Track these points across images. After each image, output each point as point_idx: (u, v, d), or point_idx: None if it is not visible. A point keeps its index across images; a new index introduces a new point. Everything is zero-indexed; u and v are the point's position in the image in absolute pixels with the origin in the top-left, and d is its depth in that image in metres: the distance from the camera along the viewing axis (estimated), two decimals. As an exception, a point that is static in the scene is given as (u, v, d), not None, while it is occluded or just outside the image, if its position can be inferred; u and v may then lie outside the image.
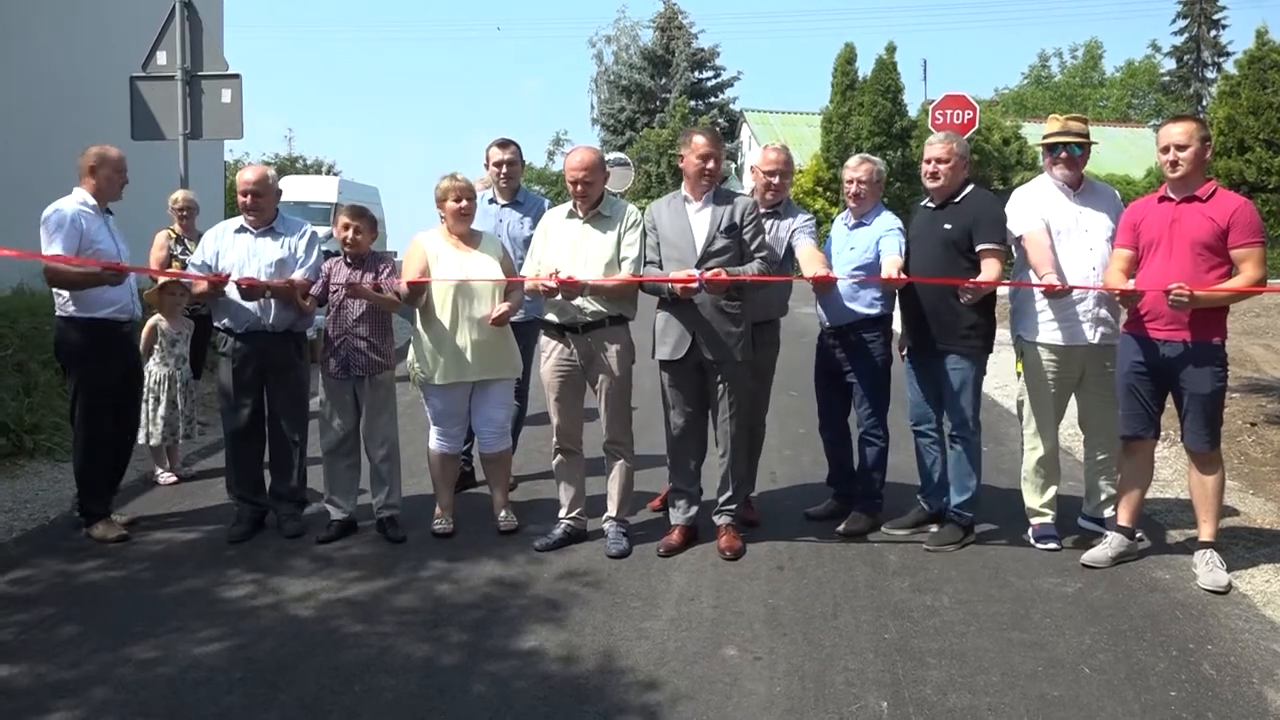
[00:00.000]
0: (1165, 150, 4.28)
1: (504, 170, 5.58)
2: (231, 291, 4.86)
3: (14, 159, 9.81)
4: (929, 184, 4.81)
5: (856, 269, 4.85)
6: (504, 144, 5.62)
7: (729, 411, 4.69)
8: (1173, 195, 4.30)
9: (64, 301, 4.79)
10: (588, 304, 4.62)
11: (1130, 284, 4.34)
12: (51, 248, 4.64)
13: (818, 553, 4.70)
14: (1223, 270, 4.20)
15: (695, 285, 4.43)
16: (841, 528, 4.94)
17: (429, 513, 5.06)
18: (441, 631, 3.86)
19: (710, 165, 4.60)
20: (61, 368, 5.05)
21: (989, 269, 4.58)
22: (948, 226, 4.68)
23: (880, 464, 5.03)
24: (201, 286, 4.97)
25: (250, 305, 4.87)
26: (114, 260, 4.75)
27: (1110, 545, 4.52)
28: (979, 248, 4.60)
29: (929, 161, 4.77)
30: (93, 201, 4.85)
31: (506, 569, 4.51)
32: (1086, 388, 4.77)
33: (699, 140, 4.64)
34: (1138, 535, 4.61)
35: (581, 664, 3.58)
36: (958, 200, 4.73)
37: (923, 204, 4.95)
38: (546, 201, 5.84)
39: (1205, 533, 4.40)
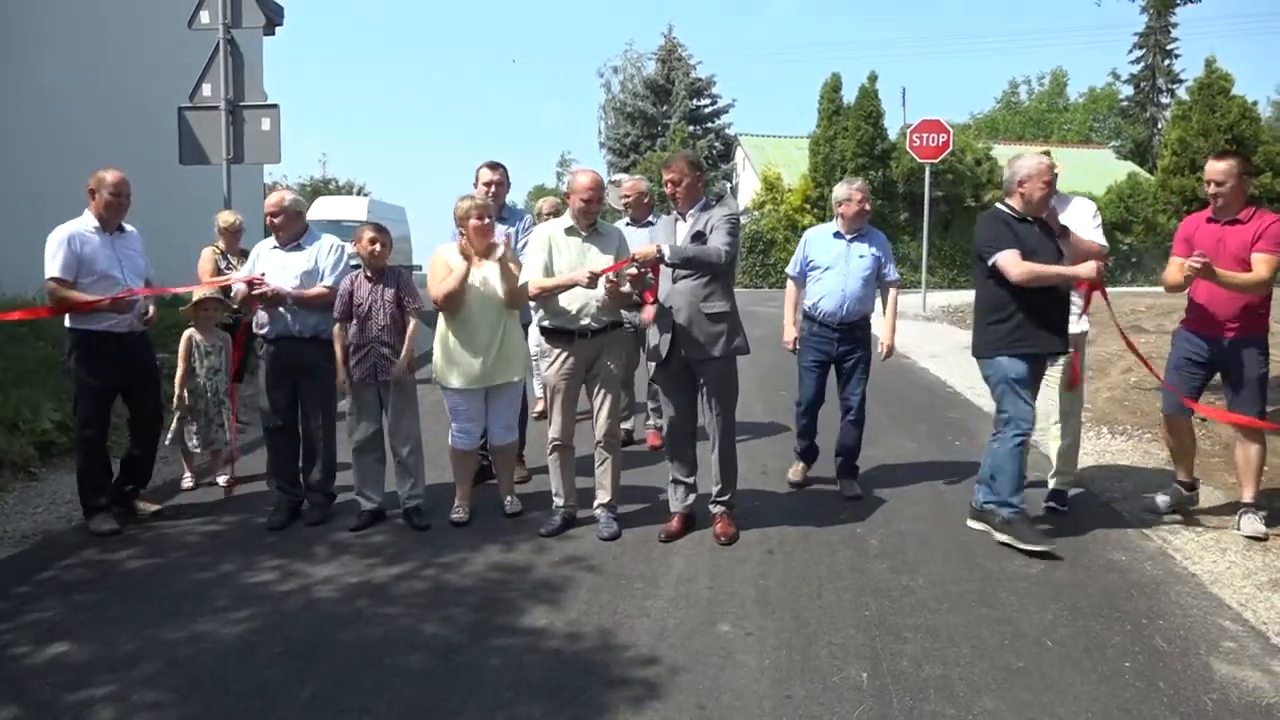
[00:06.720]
0: (1208, 184, 4.63)
1: (492, 189, 5.57)
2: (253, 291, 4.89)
3: (61, 193, 9.90)
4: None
5: (866, 273, 5.28)
6: (494, 166, 5.67)
7: (715, 408, 4.68)
8: (1217, 218, 4.61)
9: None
10: (597, 312, 4.65)
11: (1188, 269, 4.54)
12: (49, 268, 4.62)
13: (804, 538, 4.70)
14: None
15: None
16: (846, 493, 5.34)
17: (450, 501, 5.07)
18: (460, 612, 3.86)
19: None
20: (66, 372, 5.06)
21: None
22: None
23: (860, 438, 5.46)
24: (241, 289, 4.98)
25: (266, 313, 4.94)
26: (113, 282, 4.73)
27: (1169, 494, 5.01)
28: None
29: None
30: (94, 223, 4.79)
31: (519, 554, 4.52)
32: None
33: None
34: (1195, 490, 5.03)
35: (588, 639, 3.59)
36: None
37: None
38: (528, 217, 5.96)
39: (1247, 494, 4.71)
